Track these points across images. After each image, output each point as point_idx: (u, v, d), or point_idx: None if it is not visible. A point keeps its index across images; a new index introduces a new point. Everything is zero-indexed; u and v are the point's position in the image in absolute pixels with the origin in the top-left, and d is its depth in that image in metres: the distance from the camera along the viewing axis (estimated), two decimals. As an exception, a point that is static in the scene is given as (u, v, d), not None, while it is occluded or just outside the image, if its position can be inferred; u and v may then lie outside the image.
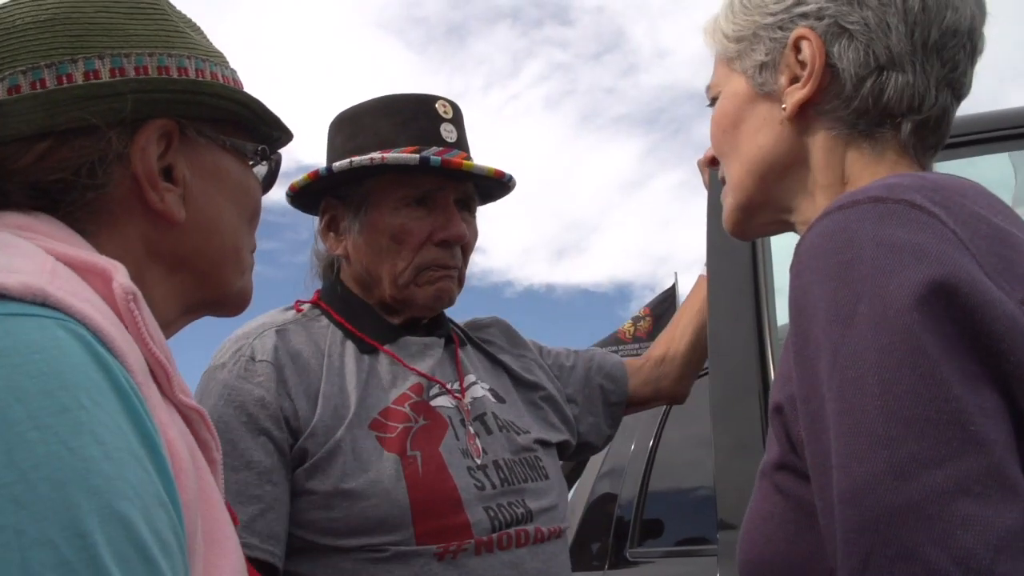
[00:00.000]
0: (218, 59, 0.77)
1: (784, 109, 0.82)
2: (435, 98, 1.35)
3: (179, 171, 0.71)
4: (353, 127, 1.34)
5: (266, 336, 1.23)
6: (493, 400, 1.35)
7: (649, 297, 12.72)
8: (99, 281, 0.57)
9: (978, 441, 0.56)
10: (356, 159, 1.26)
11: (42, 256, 0.57)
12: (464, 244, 1.33)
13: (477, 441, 1.26)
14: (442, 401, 1.28)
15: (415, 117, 1.32)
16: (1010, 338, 0.59)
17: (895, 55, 0.78)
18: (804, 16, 0.81)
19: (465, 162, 1.28)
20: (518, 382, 1.43)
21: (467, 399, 1.31)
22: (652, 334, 12.12)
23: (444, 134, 1.31)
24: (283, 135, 0.83)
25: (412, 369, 1.28)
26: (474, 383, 1.35)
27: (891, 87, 0.78)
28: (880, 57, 0.78)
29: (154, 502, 0.49)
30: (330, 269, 1.39)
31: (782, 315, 1.42)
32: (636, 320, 12.14)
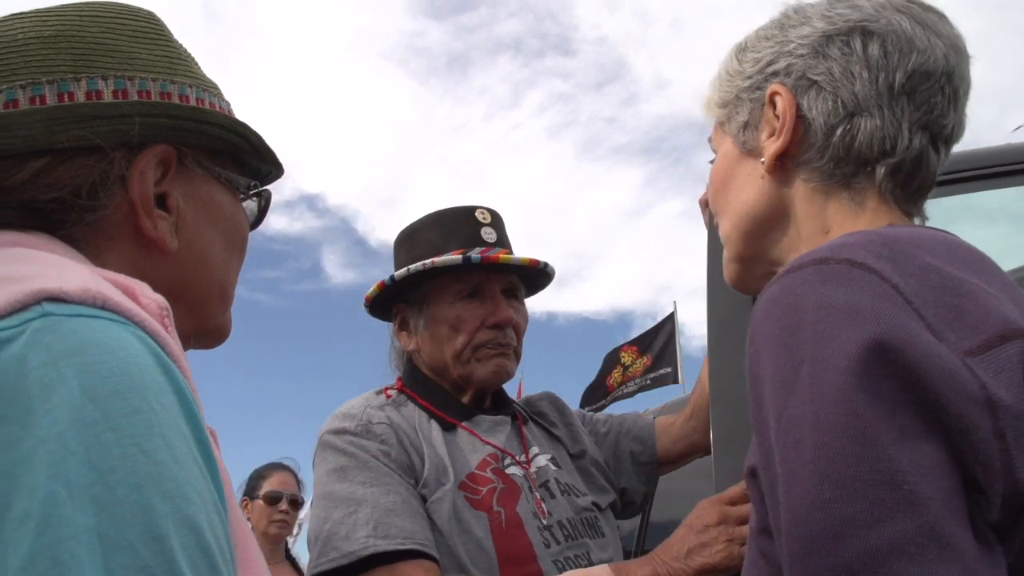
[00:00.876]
0: (215, 90, 0.75)
1: (763, 163, 0.85)
2: (475, 208, 1.59)
3: (174, 199, 0.69)
4: (411, 242, 1.58)
5: (375, 409, 1.45)
6: (554, 468, 1.53)
7: (650, 325, 12.74)
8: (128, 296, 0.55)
9: (912, 500, 0.55)
10: (412, 266, 1.50)
11: (78, 267, 0.55)
12: (515, 326, 1.54)
13: (543, 505, 1.44)
14: (514, 470, 1.47)
15: (459, 226, 1.55)
16: (948, 392, 0.58)
17: (861, 100, 0.79)
18: (775, 74, 0.85)
19: (503, 256, 1.50)
20: (569, 452, 1.61)
21: (533, 468, 1.50)
22: (651, 367, 12.12)
23: (485, 236, 1.55)
24: (274, 170, 0.81)
25: (487, 442, 1.48)
26: (538, 454, 1.54)
27: (861, 132, 0.80)
28: (848, 104, 0.80)
29: (212, 509, 0.49)
30: (407, 361, 1.61)
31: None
32: (625, 368, 12.12)
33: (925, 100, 0.80)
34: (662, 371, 12.16)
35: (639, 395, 12.10)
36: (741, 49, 0.90)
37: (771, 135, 0.84)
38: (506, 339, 1.52)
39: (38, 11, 0.68)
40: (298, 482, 3.46)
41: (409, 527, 1.28)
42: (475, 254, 1.49)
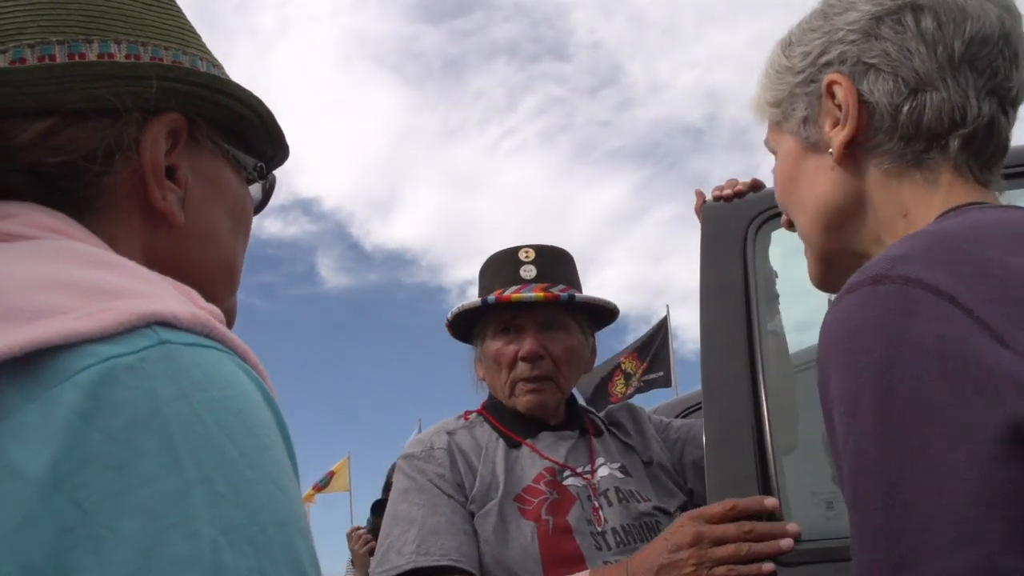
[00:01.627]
0: (222, 69, 0.72)
1: (832, 154, 0.83)
2: (519, 248, 1.77)
3: (182, 173, 0.66)
4: (479, 281, 1.80)
5: (440, 435, 1.67)
6: (620, 476, 1.66)
7: (643, 329, 12.81)
8: None
9: (974, 533, 0.56)
10: (452, 310, 1.76)
11: (159, 278, 0.53)
12: (554, 357, 1.68)
13: (600, 513, 1.58)
14: (572, 481, 1.62)
15: (505, 266, 1.75)
16: (1017, 403, 0.56)
17: (923, 76, 0.78)
18: (828, 64, 0.83)
19: (515, 296, 1.66)
20: (641, 460, 1.74)
21: (596, 479, 1.63)
22: (645, 380, 12.17)
23: (523, 274, 1.72)
24: (279, 154, 0.78)
25: (546, 457, 1.64)
26: (603, 464, 1.68)
27: (928, 107, 0.78)
28: (910, 81, 0.78)
29: None
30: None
31: (773, 355, 1.45)
32: (628, 378, 12.17)
33: (987, 66, 0.78)
34: (655, 375, 12.22)
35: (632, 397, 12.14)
36: (787, 44, 0.89)
37: (835, 125, 0.83)
38: (536, 371, 1.67)
39: None
40: None
41: (448, 544, 1.48)
42: (492, 296, 1.68)
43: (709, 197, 1.59)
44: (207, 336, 0.48)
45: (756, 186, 1.54)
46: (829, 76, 0.82)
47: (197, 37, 0.70)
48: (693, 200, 1.64)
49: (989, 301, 0.60)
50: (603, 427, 1.79)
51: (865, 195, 0.83)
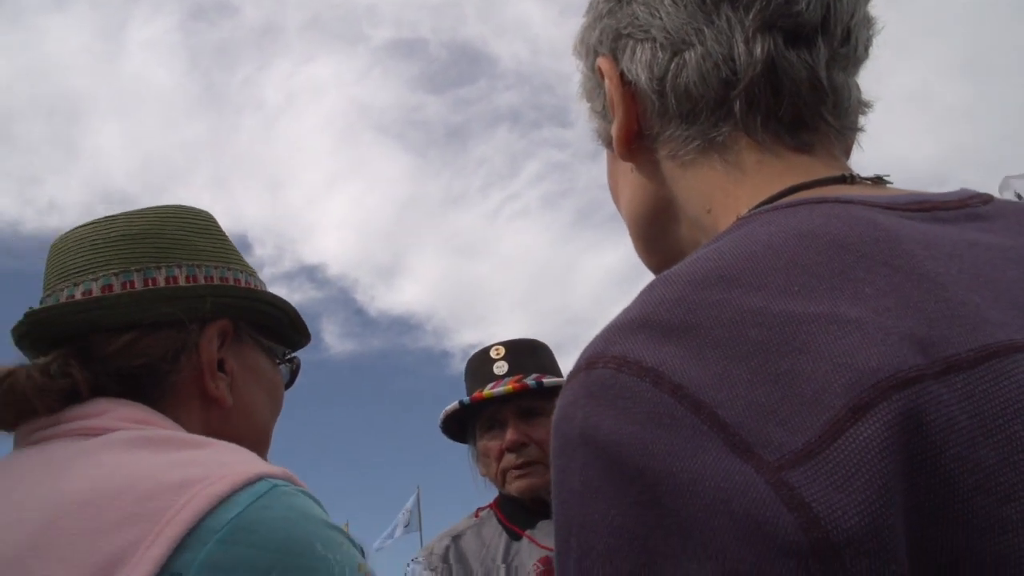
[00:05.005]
0: (255, 274, 0.91)
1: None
2: (491, 346, 1.92)
3: (230, 364, 0.84)
4: (465, 386, 1.93)
5: (444, 541, 1.84)
6: None
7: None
8: None
9: None
10: (440, 418, 1.91)
11: (244, 450, 0.72)
12: (539, 442, 1.79)
13: None
14: None
15: (480, 366, 1.89)
16: (748, 553, 0.38)
17: (674, 33, 0.61)
18: (600, 43, 0.68)
19: (485, 392, 1.80)
20: None
21: None
22: None
23: (496, 371, 1.86)
24: (303, 339, 0.97)
25: (543, 547, 1.73)
26: None
27: (686, 71, 0.61)
28: (665, 44, 0.62)
29: None
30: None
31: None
32: None
33: None
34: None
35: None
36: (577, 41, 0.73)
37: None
38: (522, 459, 1.79)
39: (127, 214, 0.86)
40: None
41: None
42: (467, 398, 1.84)
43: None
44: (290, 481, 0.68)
45: None
46: (597, 62, 0.67)
47: (237, 254, 0.91)
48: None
49: (735, 386, 0.41)
50: None
51: (670, 195, 0.66)
